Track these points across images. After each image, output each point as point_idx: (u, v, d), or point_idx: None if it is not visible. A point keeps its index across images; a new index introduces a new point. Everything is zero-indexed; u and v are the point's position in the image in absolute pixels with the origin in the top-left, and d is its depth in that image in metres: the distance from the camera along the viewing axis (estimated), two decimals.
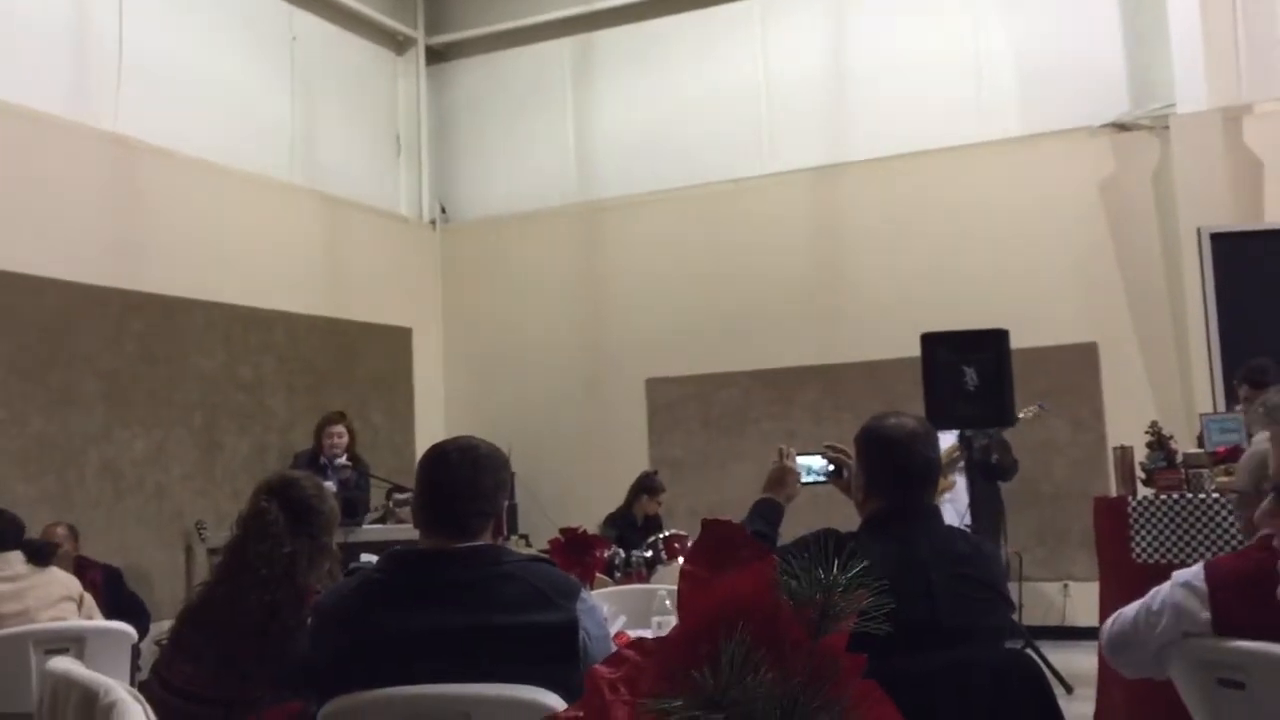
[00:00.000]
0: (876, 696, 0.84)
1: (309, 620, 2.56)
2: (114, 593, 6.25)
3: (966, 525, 6.29)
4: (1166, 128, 8.16)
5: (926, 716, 1.47)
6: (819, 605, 0.83)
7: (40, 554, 4.48)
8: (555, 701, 2.19)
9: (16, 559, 4.39)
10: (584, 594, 2.43)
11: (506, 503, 2.59)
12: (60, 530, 6.29)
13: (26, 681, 3.73)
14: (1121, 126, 8.47)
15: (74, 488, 7.17)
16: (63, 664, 2.39)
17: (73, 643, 3.85)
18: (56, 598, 4.39)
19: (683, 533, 6.15)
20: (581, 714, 0.86)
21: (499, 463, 2.52)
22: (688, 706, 0.75)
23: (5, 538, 4.43)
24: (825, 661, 0.82)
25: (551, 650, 2.29)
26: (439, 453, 2.49)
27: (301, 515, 2.85)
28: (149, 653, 5.99)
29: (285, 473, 3.26)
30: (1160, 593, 2.64)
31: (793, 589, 0.84)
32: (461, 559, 2.38)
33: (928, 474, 2.64)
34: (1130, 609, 2.71)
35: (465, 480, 2.42)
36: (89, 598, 4.57)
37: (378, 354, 9.76)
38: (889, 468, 2.63)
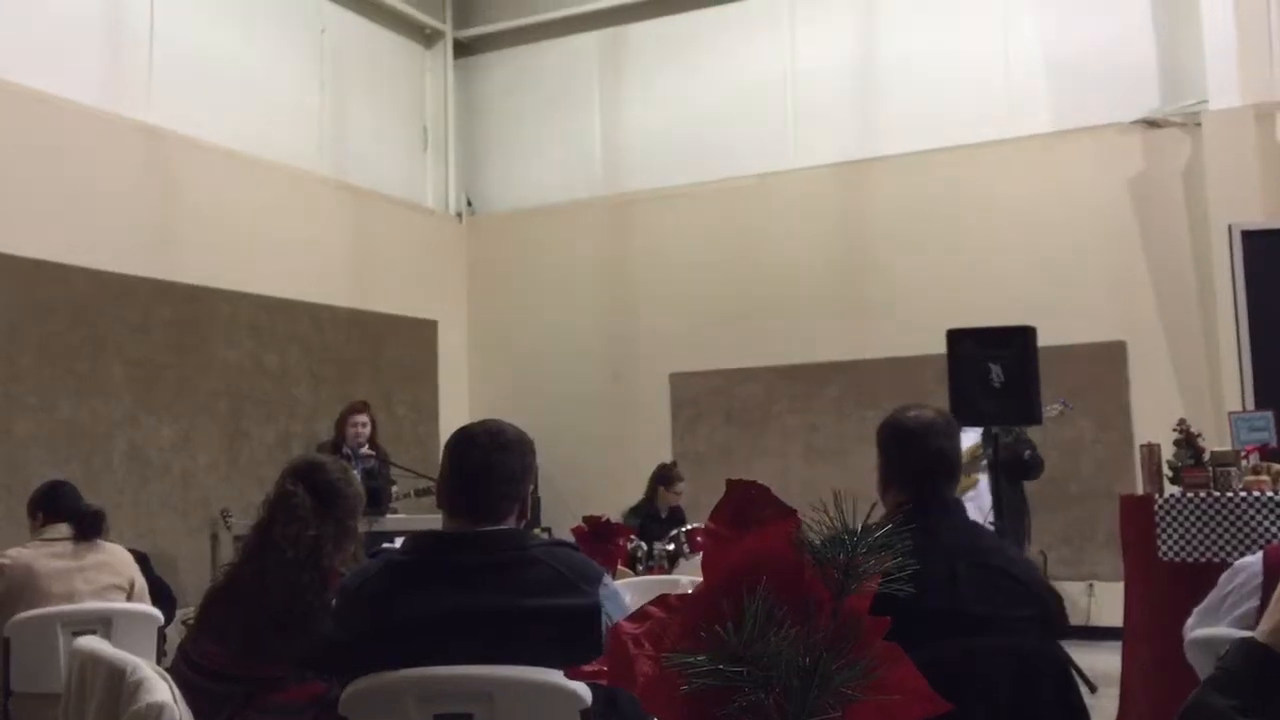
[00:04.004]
0: (898, 658, 0.84)
1: (333, 601, 2.57)
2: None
3: (990, 524, 6.25)
4: (1198, 124, 8.10)
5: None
6: (842, 565, 0.83)
7: (86, 526, 4.37)
8: (577, 685, 2.20)
9: (63, 530, 4.31)
10: (607, 579, 2.43)
11: (532, 489, 2.59)
12: None
13: (55, 662, 3.76)
14: (1152, 123, 8.40)
15: (101, 474, 7.23)
16: (90, 643, 2.41)
17: (100, 624, 3.87)
18: (104, 585, 4.28)
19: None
20: (604, 668, 0.86)
21: (525, 447, 2.51)
22: (711, 661, 0.75)
23: (58, 507, 4.37)
24: (848, 621, 0.82)
25: (574, 634, 2.29)
26: (466, 435, 2.48)
27: (327, 498, 2.85)
28: (174, 638, 6.02)
29: (311, 456, 3.27)
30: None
31: (816, 549, 0.84)
32: (486, 542, 2.38)
33: (945, 465, 2.63)
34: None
35: (491, 463, 2.41)
36: (141, 583, 4.44)
37: (403, 346, 9.79)
38: (906, 460, 2.61)
